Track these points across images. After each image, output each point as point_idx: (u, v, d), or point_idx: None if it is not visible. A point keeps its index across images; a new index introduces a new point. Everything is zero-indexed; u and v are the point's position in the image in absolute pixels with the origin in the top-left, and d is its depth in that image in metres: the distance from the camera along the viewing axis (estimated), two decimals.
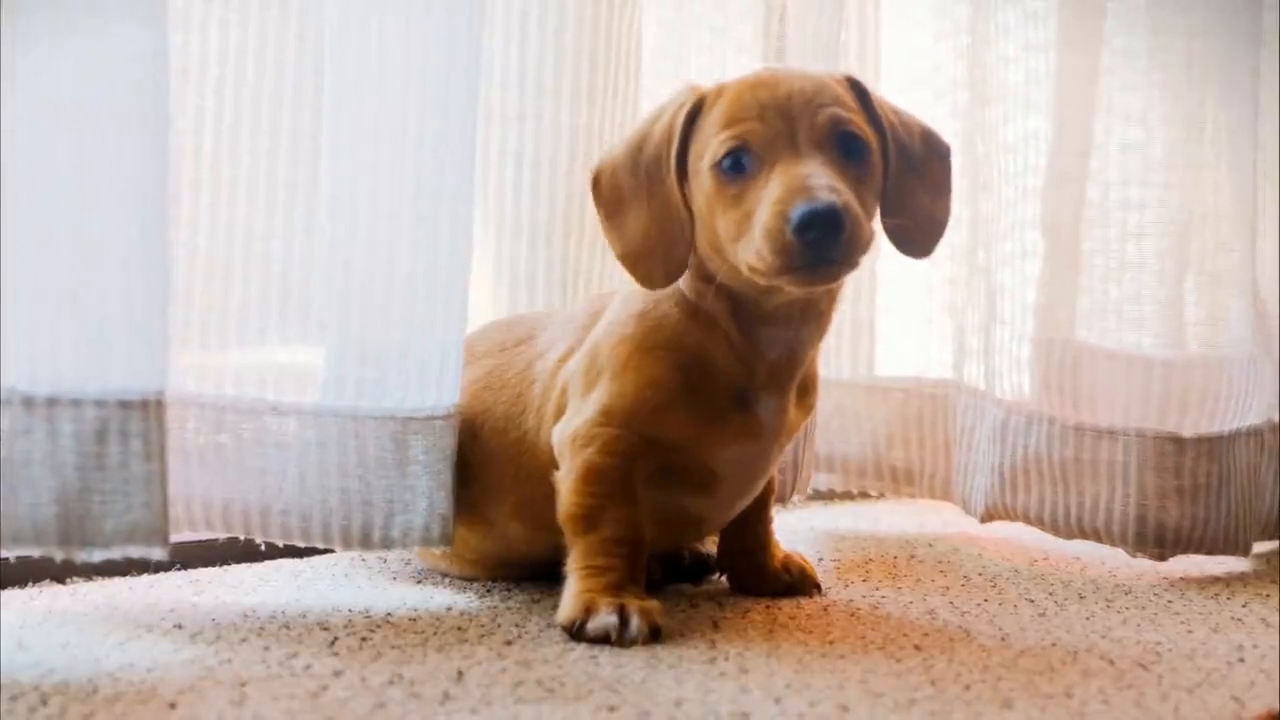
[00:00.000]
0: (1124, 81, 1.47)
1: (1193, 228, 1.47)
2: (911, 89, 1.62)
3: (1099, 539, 1.43)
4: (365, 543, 1.17)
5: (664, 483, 1.14)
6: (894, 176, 1.12)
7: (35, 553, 1.00)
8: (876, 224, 1.11)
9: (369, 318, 1.16)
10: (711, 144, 1.07)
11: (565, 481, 1.12)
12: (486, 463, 1.20)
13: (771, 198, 1.02)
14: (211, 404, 1.15)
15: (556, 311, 1.30)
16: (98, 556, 1.00)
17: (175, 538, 1.26)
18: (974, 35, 1.53)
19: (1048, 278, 1.48)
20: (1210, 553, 1.42)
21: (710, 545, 1.32)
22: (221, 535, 1.18)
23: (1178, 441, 1.41)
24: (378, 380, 1.16)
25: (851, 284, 1.60)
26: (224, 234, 1.17)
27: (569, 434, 1.13)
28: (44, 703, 0.88)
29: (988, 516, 1.49)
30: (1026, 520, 1.47)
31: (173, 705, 0.89)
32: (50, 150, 0.99)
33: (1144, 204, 1.46)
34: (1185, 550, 1.41)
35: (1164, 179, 1.46)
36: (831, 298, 1.15)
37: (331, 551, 1.31)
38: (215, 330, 1.17)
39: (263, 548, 1.23)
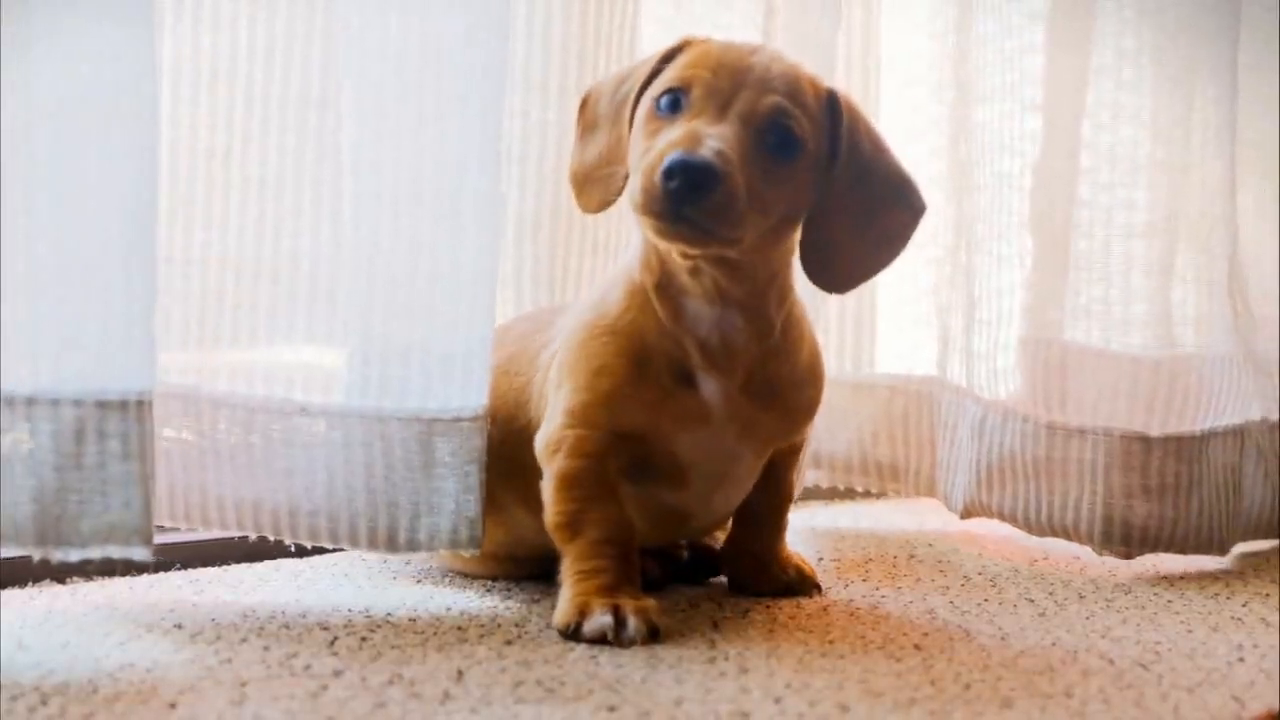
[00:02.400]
0: (1115, 81, 1.46)
1: (1171, 227, 1.47)
2: (908, 88, 1.62)
3: (1068, 537, 1.44)
4: (391, 545, 1.17)
5: (638, 477, 1.14)
6: (834, 198, 1.11)
7: (12, 551, 1.01)
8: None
9: (393, 316, 1.16)
10: (661, 80, 1.09)
11: (546, 490, 1.13)
12: (499, 447, 1.20)
13: (664, 141, 1.04)
14: (242, 404, 1.16)
15: (573, 303, 1.31)
16: (74, 556, 1.00)
17: (181, 538, 1.28)
18: (960, 35, 1.53)
19: (1028, 277, 1.48)
20: (1182, 552, 1.42)
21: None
22: (253, 535, 1.19)
23: (1145, 441, 1.41)
24: (402, 380, 1.16)
25: None
26: (253, 233, 1.18)
27: (544, 441, 1.14)
28: (44, 703, 0.88)
29: (967, 513, 1.50)
30: (1001, 517, 1.47)
31: (173, 705, 0.89)
32: (31, 150, 0.99)
33: (1112, 205, 1.46)
34: (1154, 549, 1.42)
35: (1145, 179, 1.46)
36: (748, 288, 1.12)
37: (336, 551, 1.31)
38: (246, 329, 1.18)
39: (292, 548, 1.23)
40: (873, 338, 1.65)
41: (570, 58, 1.39)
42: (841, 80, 1.54)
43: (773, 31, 1.51)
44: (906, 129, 1.62)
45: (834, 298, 1.61)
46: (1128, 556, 1.43)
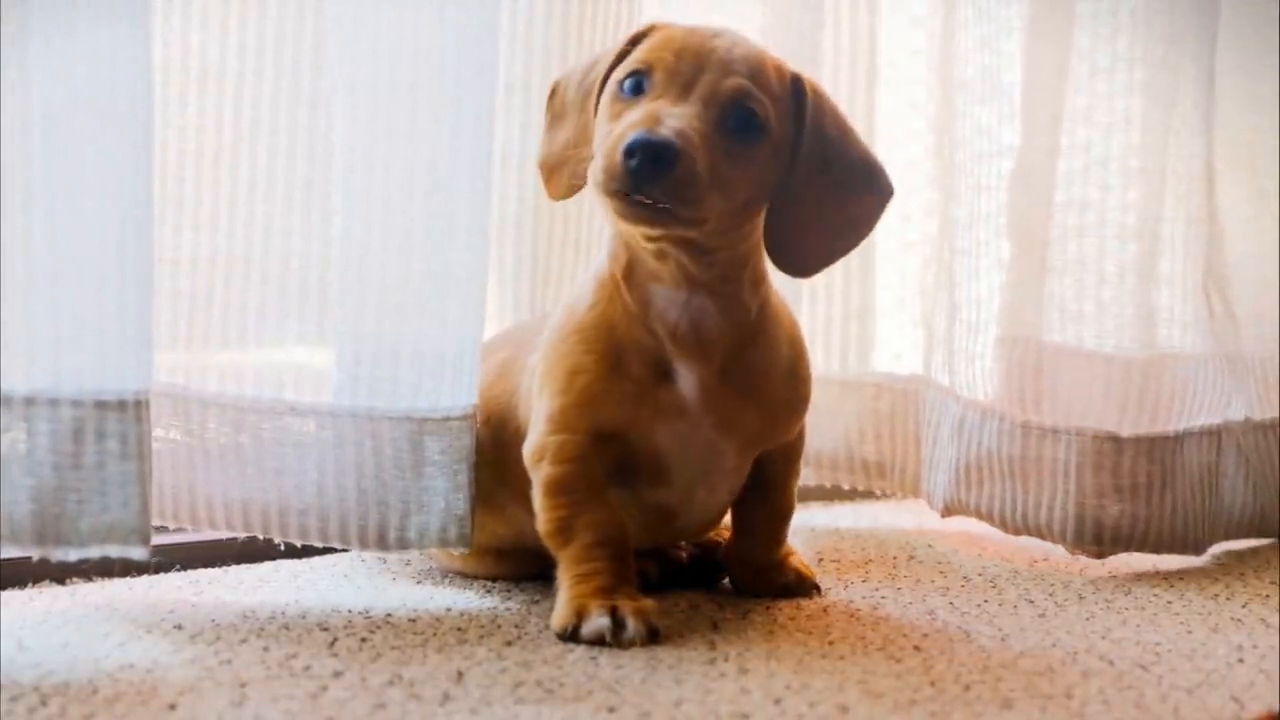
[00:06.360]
0: (1095, 84, 1.47)
1: (1148, 229, 1.47)
2: (906, 87, 1.62)
3: (1041, 536, 1.44)
4: (382, 543, 1.17)
5: (622, 479, 1.14)
6: (798, 182, 1.10)
7: (11, 551, 1.01)
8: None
9: (384, 316, 1.16)
10: (625, 63, 1.09)
11: (536, 498, 1.13)
12: (494, 449, 1.20)
13: (626, 122, 1.04)
14: (232, 404, 1.16)
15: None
16: (74, 556, 1.00)
17: (181, 538, 1.28)
18: (952, 37, 1.52)
19: (1008, 277, 1.48)
20: (1155, 551, 1.43)
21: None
22: (242, 535, 1.19)
23: (1116, 440, 1.41)
24: (393, 380, 1.17)
25: (822, 281, 1.60)
26: (243, 233, 1.18)
27: (529, 449, 1.14)
28: (44, 703, 0.88)
29: (947, 512, 1.50)
30: (979, 516, 1.47)
31: (173, 706, 0.89)
32: (29, 150, 0.99)
33: (1087, 205, 1.46)
34: (1126, 548, 1.42)
35: (1123, 181, 1.46)
36: (717, 273, 1.11)
37: (334, 551, 1.31)
38: (235, 329, 1.18)
39: (282, 546, 1.23)
40: (870, 336, 1.65)
41: (553, 59, 1.39)
42: (829, 76, 1.55)
43: (768, 30, 1.51)
44: (906, 130, 1.62)
45: (836, 295, 1.61)
46: (1100, 556, 1.43)
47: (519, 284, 1.42)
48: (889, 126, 1.61)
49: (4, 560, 1.17)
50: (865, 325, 1.63)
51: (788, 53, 1.42)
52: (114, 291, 1.01)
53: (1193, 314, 1.50)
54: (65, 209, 1.00)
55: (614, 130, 1.05)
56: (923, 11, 1.61)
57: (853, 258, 1.56)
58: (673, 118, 1.03)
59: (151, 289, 1.05)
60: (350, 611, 1.15)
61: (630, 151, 1.01)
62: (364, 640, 1.06)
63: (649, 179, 1.01)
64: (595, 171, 1.04)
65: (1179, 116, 1.47)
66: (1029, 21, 1.48)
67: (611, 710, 0.90)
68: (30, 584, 1.20)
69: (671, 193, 1.02)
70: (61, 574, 1.21)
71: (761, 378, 1.15)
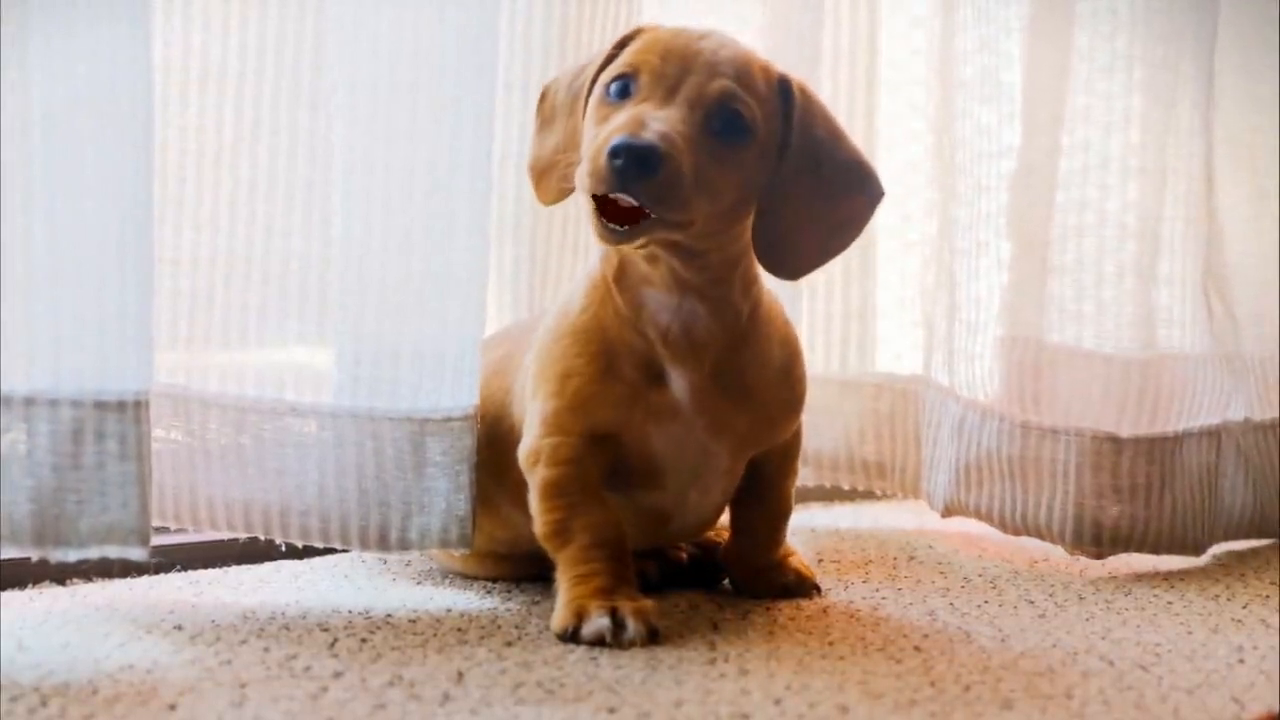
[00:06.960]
0: (1095, 85, 1.47)
1: (1148, 229, 1.47)
2: (907, 87, 1.62)
3: (1041, 536, 1.44)
4: (383, 544, 1.18)
5: (615, 481, 1.14)
6: (787, 183, 1.10)
7: (11, 551, 1.01)
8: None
9: (384, 317, 1.17)
10: (612, 67, 1.09)
11: (532, 501, 1.13)
12: (489, 447, 1.20)
13: (611, 125, 1.04)
14: (233, 404, 1.16)
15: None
16: (73, 556, 1.01)
17: (181, 539, 1.28)
18: (952, 39, 1.53)
19: (1008, 277, 1.48)
20: (1154, 552, 1.43)
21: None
22: (243, 535, 1.19)
23: (1115, 441, 1.42)
24: (393, 381, 1.17)
25: (822, 281, 1.60)
26: (243, 233, 1.18)
27: (524, 452, 1.14)
28: (44, 704, 0.88)
29: (947, 512, 1.50)
30: (979, 516, 1.48)
31: (173, 706, 0.89)
32: (29, 150, 0.99)
33: (1085, 205, 1.46)
34: (1125, 549, 1.42)
35: (1123, 181, 1.46)
36: (708, 276, 1.11)
37: (334, 552, 1.31)
38: (235, 329, 1.18)
39: (283, 547, 1.23)
40: (870, 336, 1.65)
41: (552, 59, 1.39)
42: (829, 77, 1.55)
43: (767, 30, 1.51)
44: (906, 130, 1.62)
45: (836, 295, 1.61)
46: (1099, 556, 1.43)
47: (518, 284, 1.42)
48: (889, 127, 1.62)
49: (4, 560, 1.17)
50: (865, 325, 1.64)
51: (787, 53, 1.43)
52: (114, 291, 1.01)
53: (1192, 314, 1.50)
54: (65, 209, 1.00)
55: (599, 134, 1.05)
56: (923, 12, 1.61)
57: (853, 258, 1.57)
58: (657, 121, 1.03)
59: (151, 289, 1.05)
60: (350, 612, 1.15)
61: (615, 154, 1.01)
62: (364, 641, 1.06)
63: (633, 181, 1.01)
64: (581, 175, 1.04)
65: (1179, 116, 1.47)
66: (1029, 22, 1.48)
67: (611, 711, 0.90)
68: (30, 584, 1.20)
69: (656, 196, 1.02)
70: (61, 574, 1.21)
71: (754, 379, 1.15)
